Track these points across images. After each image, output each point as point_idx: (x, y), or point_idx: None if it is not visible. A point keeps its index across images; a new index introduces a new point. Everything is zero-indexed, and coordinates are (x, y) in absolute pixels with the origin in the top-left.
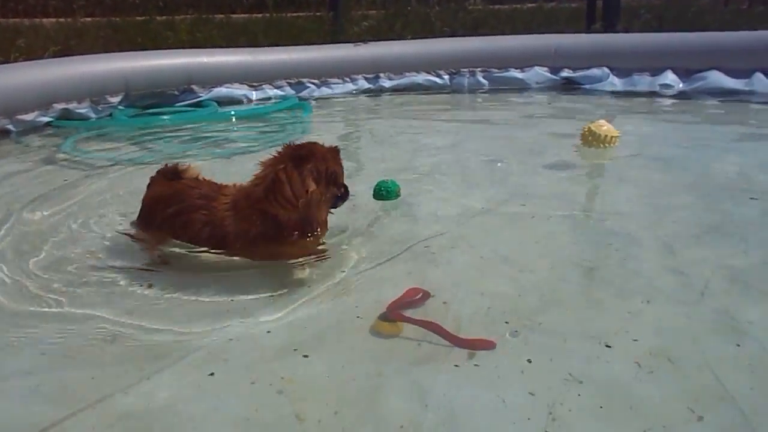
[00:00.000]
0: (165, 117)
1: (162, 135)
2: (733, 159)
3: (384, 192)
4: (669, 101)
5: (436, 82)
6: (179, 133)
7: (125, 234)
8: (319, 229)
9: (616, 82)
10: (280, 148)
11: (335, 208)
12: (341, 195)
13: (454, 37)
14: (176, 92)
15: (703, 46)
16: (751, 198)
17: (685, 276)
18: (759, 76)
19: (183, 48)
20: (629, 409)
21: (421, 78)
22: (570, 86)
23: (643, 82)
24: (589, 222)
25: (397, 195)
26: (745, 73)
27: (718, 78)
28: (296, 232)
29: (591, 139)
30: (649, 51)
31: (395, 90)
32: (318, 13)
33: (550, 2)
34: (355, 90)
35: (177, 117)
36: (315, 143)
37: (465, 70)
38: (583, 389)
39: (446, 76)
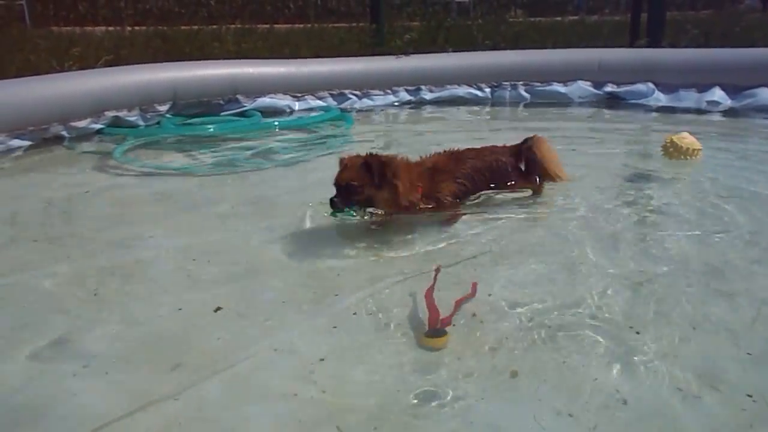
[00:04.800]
0: (210, 127)
1: (208, 144)
2: None
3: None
4: (717, 117)
5: (477, 95)
6: (225, 142)
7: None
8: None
9: (661, 98)
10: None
11: None
12: None
13: (495, 50)
14: (222, 102)
15: (752, 63)
16: None
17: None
18: None
19: (229, 58)
20: None
21: (462, 91)
22: (613, 101)
23: (690, 98)
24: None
25: None
26: None
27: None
28: None
29: (673, 150)
30: (695, 66)
31: (436, 102)
32: (360, 24)
33: (593, 15)
34: (396, 102)
35: (222, 126)
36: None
37: (506, 83)
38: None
39: (487, 89)
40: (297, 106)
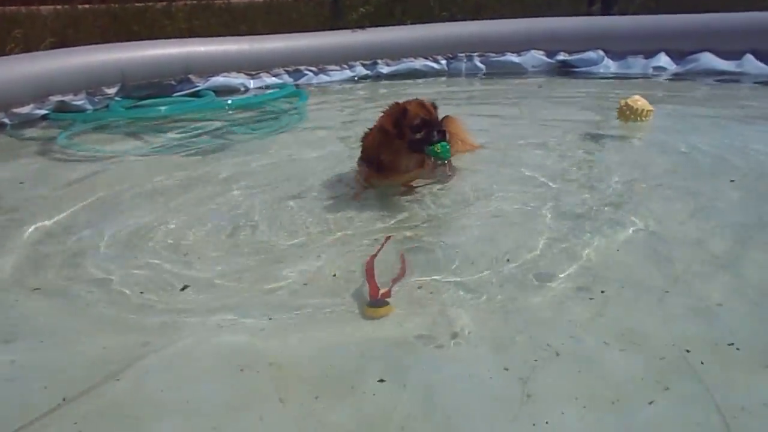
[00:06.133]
0: (162, 108)
1: (159, 126)
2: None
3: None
4: (664, 84)
5: (433, 68)
6: (177, 123)
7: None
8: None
9: (610, 65)
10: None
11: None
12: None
13: (451, 21)
14: (173, 82)
15: (695, 28)
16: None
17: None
18: (749, 57)
19: (180, 37)
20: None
21: (419, 63)
22: (566, 69)
23: (638, 64)
24: None
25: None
26: (736, 55)
27: (710, 60)
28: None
29: (629, 113)
30: (642, 33)
31: (393, 76)
32: None
33: None
34: (353, 76)
35: (174, 107)
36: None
37: (462, 54)
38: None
39: (443, 61)
40: (252, 84)
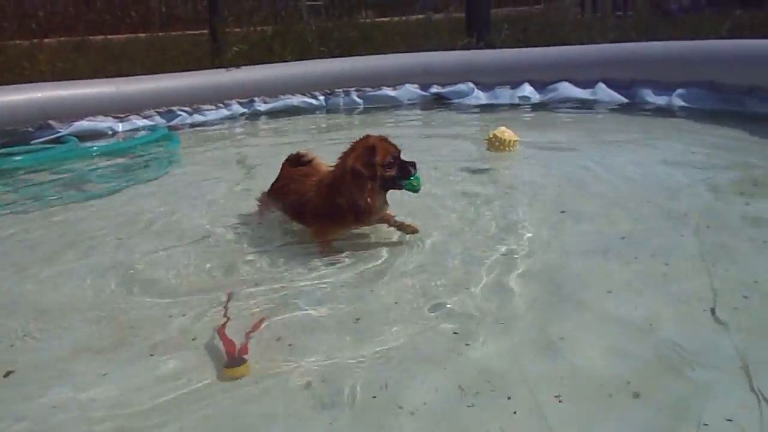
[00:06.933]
0: (17, 158)
1: (10, 177)
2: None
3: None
4: (529, 112)
5: (311, 104)
6: (33, 175)
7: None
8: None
9: (481, 96)
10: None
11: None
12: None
13: (329, 57)
14: (31, 129)
15: (553, 60)
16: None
17: None
18: (601, 85)
19: (42, 80)
20: None
21: (297, 100)
22: (440, 101)
23: (505, 95)
24: None
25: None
26: (590, 84)
27: (568, 89)
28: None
29: (498, 144)
30: (508, 66)
31: (271, 113)
32: (204, 32)
33: (439, 14)
34: (230, 115)
35: (30, 157)
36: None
37: (340, 90)
38: None
39: (321, 97)
40: (121, 127)
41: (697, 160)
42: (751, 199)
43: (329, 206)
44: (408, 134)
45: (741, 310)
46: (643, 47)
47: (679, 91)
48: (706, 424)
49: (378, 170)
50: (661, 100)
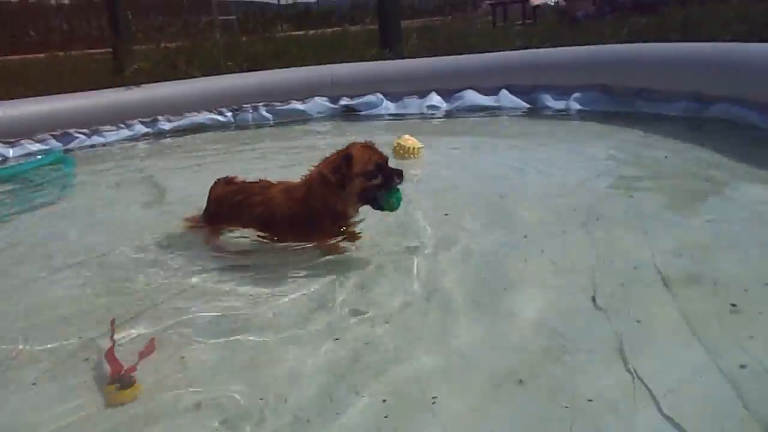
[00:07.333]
0: None
1: None
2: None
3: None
4: (437, 121)
5: (218, 120)
6: None
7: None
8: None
9: (390, 107)
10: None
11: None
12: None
13: (235, 73)
14: None
15: (459, 69)
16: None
17: None
18: (504, 92)
19: None
20: None
21: (203, 117)
22: (350, 114)
23: (413, 104)
24: None
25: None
26: (494, 91)
27: (473, 97)
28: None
29: (402, 152)
30: (415, 75)
31: (176, 132)
32: (109, 50)
33: (355, 26)
34: (131, 135)
35: None
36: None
37: (248, 105)
38: None
39: (229, 114)
40: (11, 152)
41: (591, 159)
42: (636, 192)
43: (303, 212)
44: (320, 145)
45: (618, 298)
46: (543, 53)
47: (576, 94)
48: (582, 402)
49: (354, 179)
50: (560, 104)
